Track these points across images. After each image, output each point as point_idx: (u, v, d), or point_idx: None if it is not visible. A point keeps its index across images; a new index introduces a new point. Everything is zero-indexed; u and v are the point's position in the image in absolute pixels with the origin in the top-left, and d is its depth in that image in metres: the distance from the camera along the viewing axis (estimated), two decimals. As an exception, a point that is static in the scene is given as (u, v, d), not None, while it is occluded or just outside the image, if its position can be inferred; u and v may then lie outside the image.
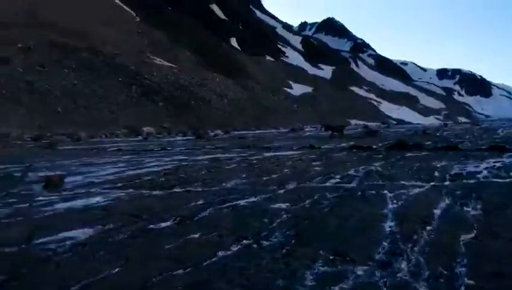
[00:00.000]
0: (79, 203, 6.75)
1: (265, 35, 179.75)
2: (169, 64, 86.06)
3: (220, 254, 4.44)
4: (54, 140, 22.68)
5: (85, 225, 5.39)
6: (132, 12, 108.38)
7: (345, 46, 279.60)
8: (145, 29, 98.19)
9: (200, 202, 7.03)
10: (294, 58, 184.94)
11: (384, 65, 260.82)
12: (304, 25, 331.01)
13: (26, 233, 4.94)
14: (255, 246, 4.74)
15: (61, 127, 46.44)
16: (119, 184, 8.76)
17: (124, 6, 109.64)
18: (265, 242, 4.87)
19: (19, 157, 14.22)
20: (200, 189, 8.43)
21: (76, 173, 10.21)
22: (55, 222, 5.54)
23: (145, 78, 73.66)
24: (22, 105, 50.95)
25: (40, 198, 7.12)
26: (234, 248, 4.64)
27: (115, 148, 18.54)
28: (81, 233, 5.03)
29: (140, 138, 30.67)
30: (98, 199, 7.18)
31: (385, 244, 4.46)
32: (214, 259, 4.28)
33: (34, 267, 3.92)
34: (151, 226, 5.42)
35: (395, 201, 6.34)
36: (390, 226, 5.07)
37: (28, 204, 6.61)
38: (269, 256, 4.39)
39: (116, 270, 3.90)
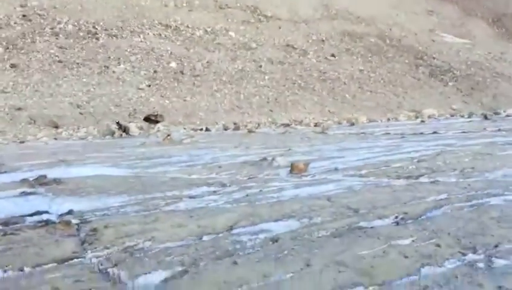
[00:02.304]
0: (308, 191, 6.47)
1: None
2: (462, 40, 79.35)
3: (424, 271, 3.41)
4: (326, 125, 23.48)
5: (294, 216, 5.04)
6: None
7: None
8: (435, 6, 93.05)
9: (442, 196, 5.85)
10: None
11: None
12: None
13: (233, 221, 4.89)
14: (480, 265, 3.49)
15: (347, 112, 48.21)
16: (363, 171, 8.17)
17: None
18: (501, 261, 3.56)
19: (286, 142, 15.07)
20: (453, 180, 7.12)
21: (327, 158, 10.07)
22: (270, 210, 5.37)
23: (433, 57, 69.86)
24: (314, 93, 54.89)
25: (275, 183, 7.15)
26: (448, 265, 3.52)
27: (383, 132, 17.89)
28: (282, 226, 4.69)
29: (418, 121, 29.09)
30: (330, 186, 6.78)
31: None
32: (410, 277, 3.31)
33: (213, 261, 3.75)
34: (362, 223, 4.69)
35: None
36: None
37: (259, 189, 6.65)
38: (495, 284, 3.14)
39: (288, 276, 3.37)
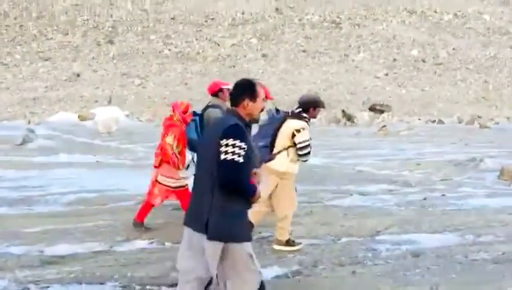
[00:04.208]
0: (503, 202, 5.54)
1: None
2: None
3: None
4: None
5: (460, 230, 4.38)
6: None
7: None
8: None
9: None
10: None
11: None
12: None
13: (384, 226, 4.53)
14: None
15: None
16: None
17: None
18: None
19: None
20: None
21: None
22: (437, 219, 4.78)
23: None
24: None
25: (467, 189, 6.31)
26: None
27: None
28: (437, 240, 4.12)
29: None
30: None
31: None
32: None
33: (333, 266, 3.55)
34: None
35: None
36: None
37: (442, 194, 5.94)
38: None
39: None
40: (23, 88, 39.43)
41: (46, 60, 44.99)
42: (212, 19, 53.63)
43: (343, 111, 22.75)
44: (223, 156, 2.21)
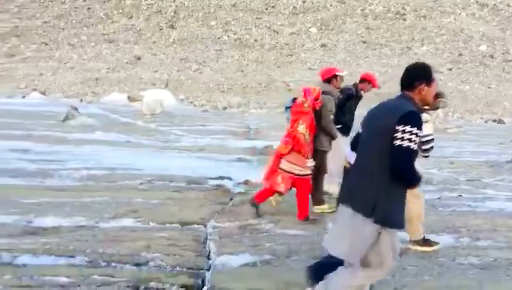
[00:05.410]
0: None
1: None
2: None
3: None
4: None
5: (459, 232, 4.12)
6: None
7: None
8: None
9: None
10: None
11: None
12: None
13: None
14: None
15: None
16: None
17: None
18: None
19: None
20: None
21: None
22: (439, 220, 4.54)
23: None
24: None
25: (489, 191, 5.97)
26: None
27: None
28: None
29: None
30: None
31: None
32: None
33: (305, 256, 3.41)
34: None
35: None
36: None
37: (459, 194, 5.65)
38: None
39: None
40: (86, 68, 41.12)
41: (110, 42, 46.56)
42: (273, 6, 53.33)
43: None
44: (398, 142, 2.16)
